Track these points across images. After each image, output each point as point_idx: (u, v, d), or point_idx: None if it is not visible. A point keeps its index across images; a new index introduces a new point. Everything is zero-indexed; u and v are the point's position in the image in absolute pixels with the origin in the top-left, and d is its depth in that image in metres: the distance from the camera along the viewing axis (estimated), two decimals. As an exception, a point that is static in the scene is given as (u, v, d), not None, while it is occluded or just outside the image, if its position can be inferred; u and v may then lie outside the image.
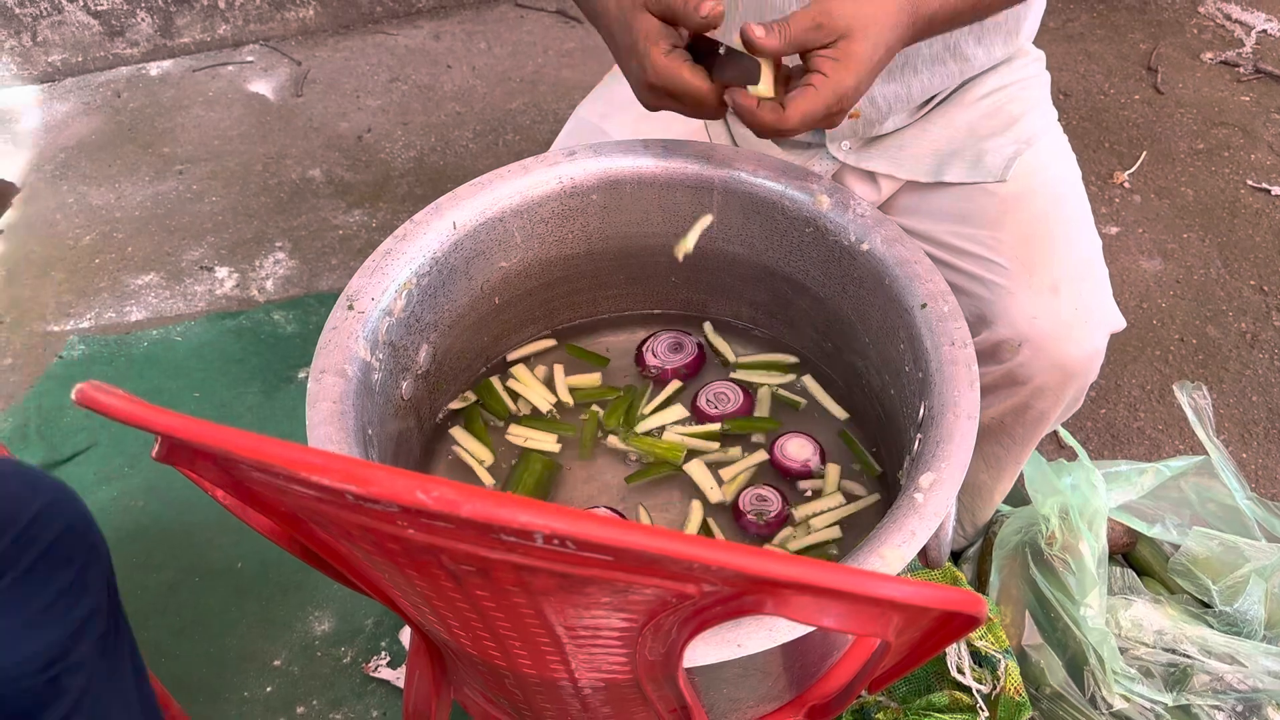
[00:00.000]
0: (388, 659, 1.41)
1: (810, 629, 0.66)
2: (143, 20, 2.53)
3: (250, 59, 2.59)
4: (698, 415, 1.00)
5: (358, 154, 2.30)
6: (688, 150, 0.96)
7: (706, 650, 0.63)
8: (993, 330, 1.04)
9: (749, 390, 1.01)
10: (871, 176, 1.14)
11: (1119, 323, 1.07)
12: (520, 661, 0.61)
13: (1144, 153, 2.24)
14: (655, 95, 0.86)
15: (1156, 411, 1.73)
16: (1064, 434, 1.30)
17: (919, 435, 0.76)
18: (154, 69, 2.58)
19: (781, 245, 0.96)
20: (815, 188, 0.92)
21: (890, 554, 0.68)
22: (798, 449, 0.97)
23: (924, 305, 0.82)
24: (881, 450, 0.96)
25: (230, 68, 2.57)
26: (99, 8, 2.48)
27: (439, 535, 0.46)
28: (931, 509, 0.70)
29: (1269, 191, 2.12)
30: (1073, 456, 1.31)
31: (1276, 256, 1.99)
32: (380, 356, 0.86)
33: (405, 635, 1.44)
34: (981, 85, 1.15)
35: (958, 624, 0.52)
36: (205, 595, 1.48)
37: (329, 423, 0.77)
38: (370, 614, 1.46)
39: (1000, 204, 1.09)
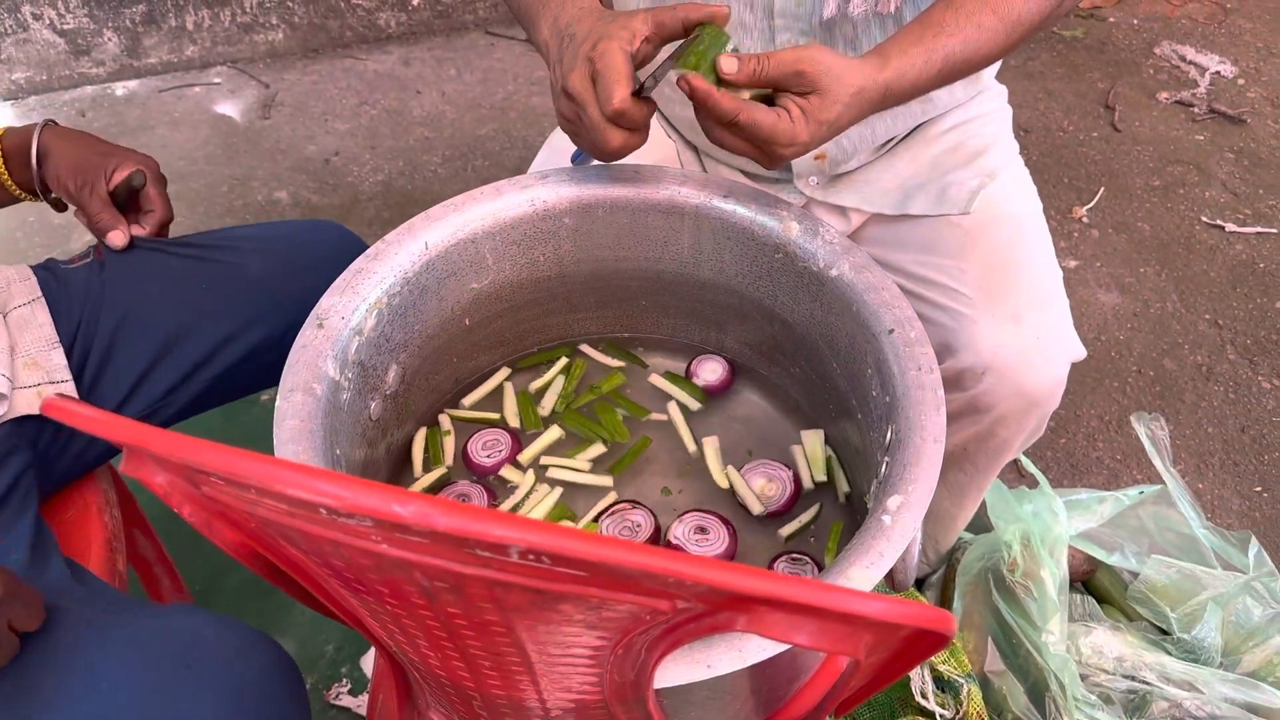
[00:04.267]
0: (348, 686, 1.39)
1: (779, 650, 0.67)
2: (110, 40, 2.52)
3: (218, 81, 2.58)
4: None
5: (325, 177, 2.30)
6: (661, 176, 0.97)
7: (677, 671, 0.63)
8: (957, 358, 1.06)
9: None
10: (840, 209, 1.16)
11: (1080, 352, 1.09)
12: (489, 683, 0.61)
13: (1102, 188, 2.29)
14: (576, 82, 0.81)
15: (1115, 441, 1.76)
16: (1025, 462, 1.32)
17: (886, 458, 0.77)
18: (120, 89, 2.56)
19: (752, 270, 0.97)
20: (785, 214, 0.93)
21: (858, 575, 0.69)
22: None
23: (891, 331, 0.83)
24: (849, 474, 0.97)
25: (197, 89, 2.56)
26: (65, 27, 2.47)
27: (413, 550, 0.46)
28: (899, 531, 0.70)
29: (1223, 228, 2.18)
30: (1034, 484, 1.32)
31: (1230, 291, 2.04)
32: (349, 376, 0.85)
33: (366, 662, 1.42)
34: (945, 120, 1.18)
35: (928, 642, 0.52)
36: (162, 620, 1.45)
37: (296, 441, 0.76)
38: (330, 640, 1.44)
39: (964, 235, 1.11)
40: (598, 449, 1.00)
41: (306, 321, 0.84)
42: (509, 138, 2.41)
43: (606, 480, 0.98)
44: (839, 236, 0.91)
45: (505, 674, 0.60)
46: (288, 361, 0.81)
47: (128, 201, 1.07)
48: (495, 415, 1.03)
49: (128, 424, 0.47)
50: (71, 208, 1.08)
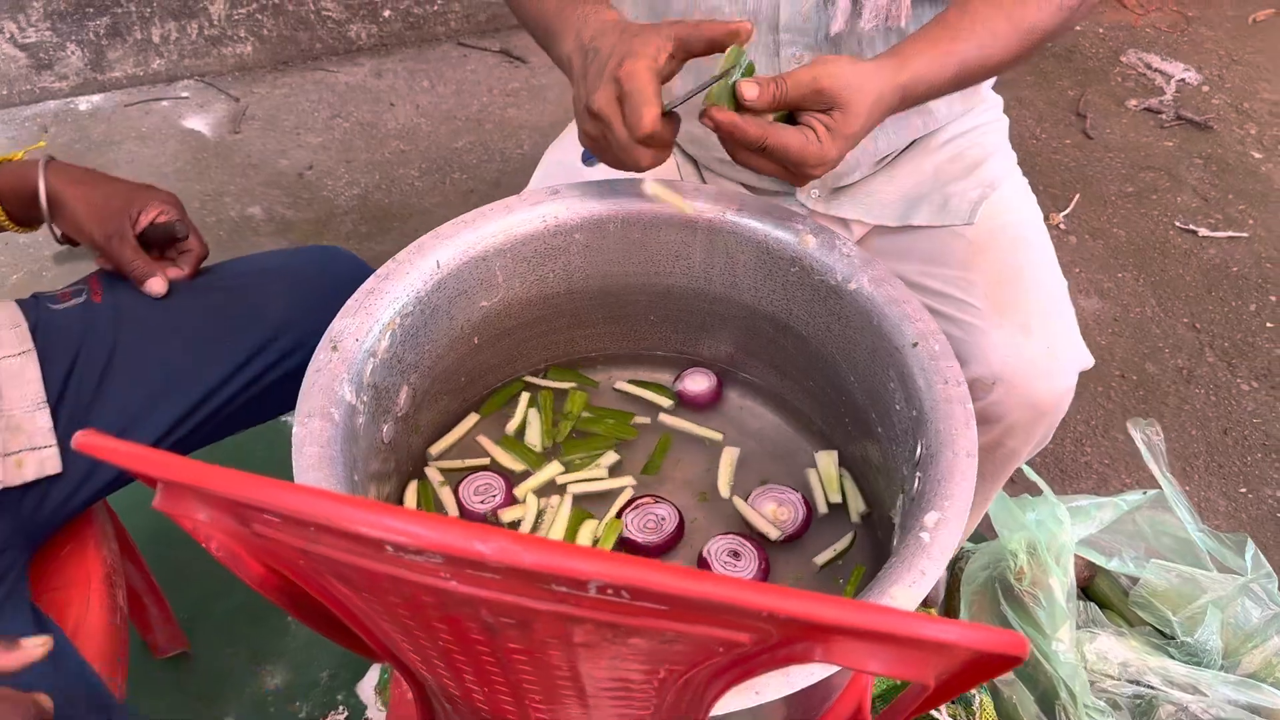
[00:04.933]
0: (345, 714, 1.36)
1: (826, 675, 0.65)
2: (73, 53, 2.46)
3: (185, 94, 2.54)
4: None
5: (299, 191, 2.26)
6: (672, 189, 0.96)
7: (725, 700, 0.62)
8: (967, 369, 1.05)
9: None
10: (842, 221, 1.16)
11: (1087, 360, 1.09)
12: (536, 714, 0.59)
13: (1077, 195, 2.31)
14: (603, 101, 0.80)
15: (1102, 446, 1.77)
16: (1027, 470, 1.32)
17: (918, 474, 0.76)
18: (83, 103, 2.50)
19: (766, 284, 0.96)
20: (800, 227, 0.92)
21: (901, 594, 0.68)
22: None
23: (915, 344, 0.83)
24: (867, 488, 0.96)
25: (164, 103, 2.51)
26: (26, 40, 2.41)
27: (484, 587, 0.44)
28: (939, 548, 0.69)
29: (1196, 233, 2.21)
30: (1035, 491, 1.33)
31: (1206, 295, 2.07)
32: (364, 399, 0.83)
33: (362, 689, 1.39)
34: (944, 132, 1.18)
35: (998, 664, 0.52)
36: (148, 653, 1.41)
37: (317, 468, 0.74)
38: (324, 667, 1.41)
39: (968, 246, 1.11)
40: (611, 456, 0.99)
41: (320, 344, 0.82)
42: (486, 149, 2.39)
43: (626, 481, 0.97)
44: (856, 249, 0.91)
45: (555, 705, 0.59)
46: (303, 386, 0.79)
47: (157, 241, 1.03)
48: (485, 460, 1.00)
49: (181, 461, 0.45)
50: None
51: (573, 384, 1.06)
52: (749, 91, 0.81)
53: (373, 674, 1.39)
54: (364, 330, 0.84)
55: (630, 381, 1.07)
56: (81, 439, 0.48)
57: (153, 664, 1.39)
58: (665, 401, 1.05)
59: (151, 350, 1.00)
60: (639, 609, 0.44)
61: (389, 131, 2.44)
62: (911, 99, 0.88)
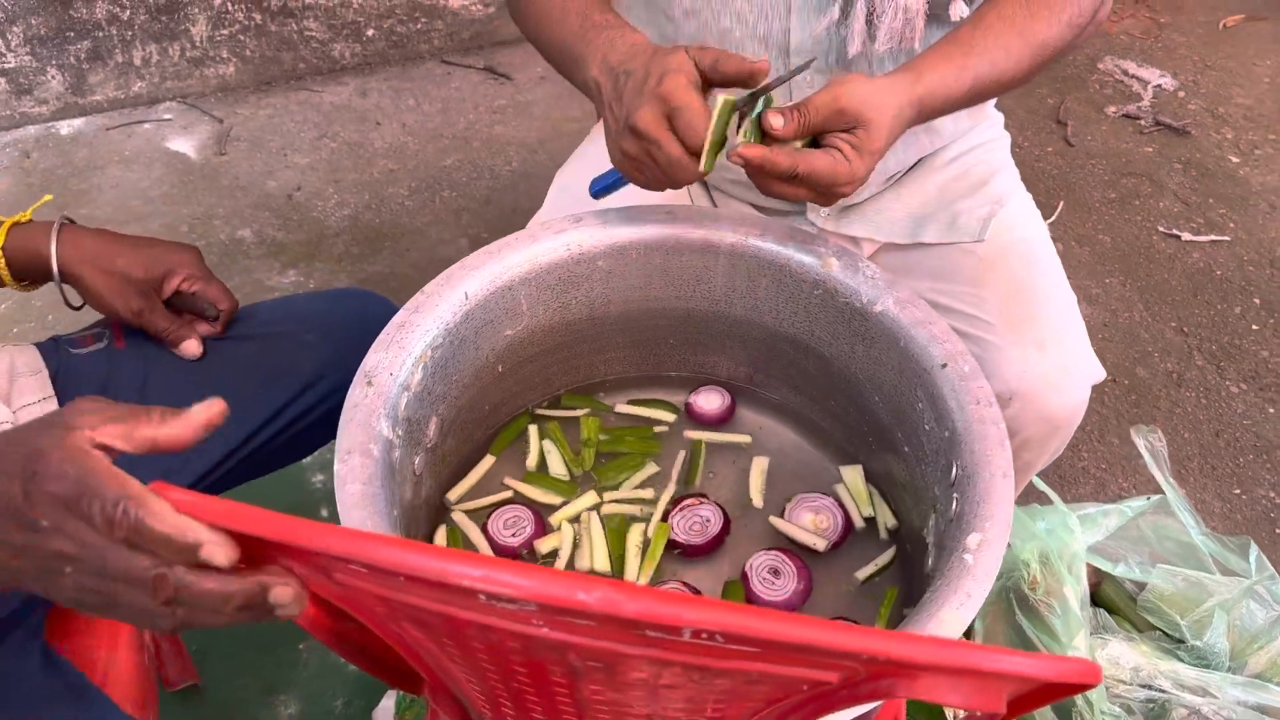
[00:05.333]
0: (361, 741, 1.35)
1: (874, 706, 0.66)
2: (53, 78, 2.44)
3: (168, 116, 2.52)
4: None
5: (289, 213, 2.25)
6: (693, 215, 0.97)
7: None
8: (982, 384, 1.07)
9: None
10: (852, 239, 1.17)
11: (1099, 373, 1.11)
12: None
13: (1061, 202, 2.35)
14: (648, 119, 0.81)
15: (1098, 451, 1.80)
16: (1036, 480, 1.34)
17: (954, 495, 0.77)
18: (64, 127, 2.48)
19: (788, 307, 0.97)
20: (823, 250, 0.93)
21: (949, 617, 0.69)
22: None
23: (944, 365, 0.84)
24: (893, 504, 0.97)
25: (147, 126, 2.49)
26: (5, 66, 2.38)
27: (576, 633, 0.45)
28: (983, 569, 0.70)
29: (1179, 237, 2.25)
30: (1044, 500, 1.35)
31: (1191, 299, 2.11)
32: (399, 433, 0.83)
33: (379, 714, 1.39)
34: (949, 149, 1.20)
35: (1069, 690, 0.53)
36: (159, 687, 1.40)
37: (362, 506, 0.74)
38: (339, 695, 1.41)
39: (979, 262, 1.13)
40: (650, 469, 1.00)
41: (355, 380, 0.82)
42: (475, 168, 2.39)
43: (668, 493, 0.98)
44: (879, 272, 0.92)
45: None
46: (341, 421, 0.79)
47: (181, 306, 1.02)
48: (508, 494, 0.99)
49: (276, 518, 0.45)
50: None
51: (585, 410, 1.07)
52: (776, 123, 0.82)
53: (387, 701, 1.38)
54: (397, 364, 0.84)
55: (630, 402, 1.07)
56: (164, 491, 0.48)
57: (165, 697, 1.37)
58: (669, 416, 1.05)
59: (185, 402, 0.99)
60: (731, 652, 0.45)
61: (376, 151, 2.43)
62: (927, 112, 0.89)
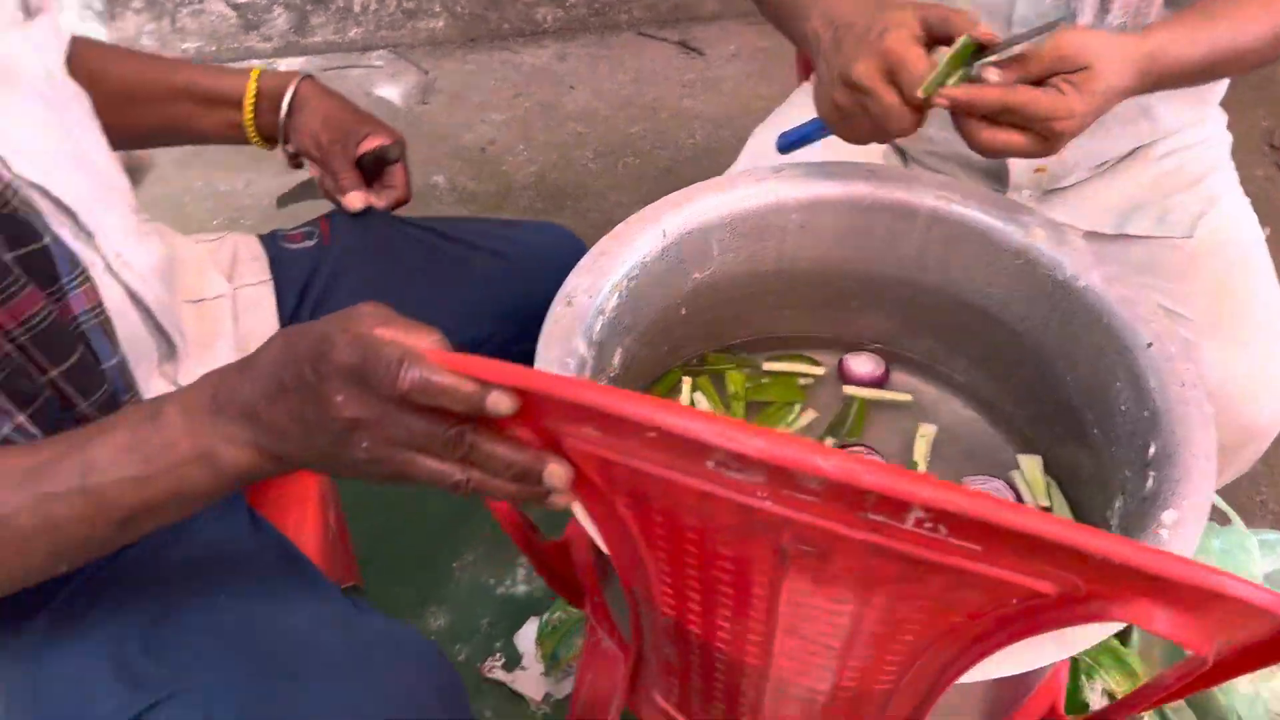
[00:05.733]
0: (502, 660, 1.41)
1: (1102, 637, 0.64)
2: (279, 16, 2.60)
3: (379, 64, 2.65)
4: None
5: (481, 165, 2.34)
6: (895, 175, 0.97)
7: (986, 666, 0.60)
8: (1177, 383, 1.03)
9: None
10: (1053, 223, 1.14)
11: (1306, 387, 1.05)
12: (783, 665, 0.61)
13: (1268, 229, 2.21)
14: (865, 71, 0.80)
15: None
16: (1215, 498, 1.28)
17: (1151, 473, 0.75)
18: (283, 65, 2.64)
19: (983, 276, 0.96)
20: (1029, 220, 0.92)
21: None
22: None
23: (1149, 345, 0.82)
24: (1071, 499, 0.95)
25: (358, 71, 2.63)
26: (239, 0, 2.56)
27: (799, 509, 0.46)
28: (1179, 547, 0.68)
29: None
30: (1222, 520, 1.29)
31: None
32: (591, 355, 0.86)
33: (520, 638, 1.44)
34: (1166, 142, 1.16)
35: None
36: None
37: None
38: (485, 614, 1.47)
39: (1186, 259, 1.08)
40: (810, 414, 1.01)
41: (555, 299, 0.86)
42: (659, 137, 2.43)
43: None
44: (1086, 246, 0.90)
45: (804, 656, 0.59)
46: (542, 336, 0.82)
47: (371, 174, 1.10)
48: None
49: (531, 371, 0.48)
50: (306, 165, 1.10)
51: (731, 366, 1.08)
52: (992, 76, 0.80)
53: (529, 627, 1.43)
54: (595, 288, 0.88)
55: (769, 358, 1.08)
56: (437, 355, 0.52)
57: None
58: (818, 370, 1.06)
59: (375, 297, 1.06)
60: (951, 546, 0.45)
61: (568, 113, 2.50)
62: (1158, 70, 0.84)
